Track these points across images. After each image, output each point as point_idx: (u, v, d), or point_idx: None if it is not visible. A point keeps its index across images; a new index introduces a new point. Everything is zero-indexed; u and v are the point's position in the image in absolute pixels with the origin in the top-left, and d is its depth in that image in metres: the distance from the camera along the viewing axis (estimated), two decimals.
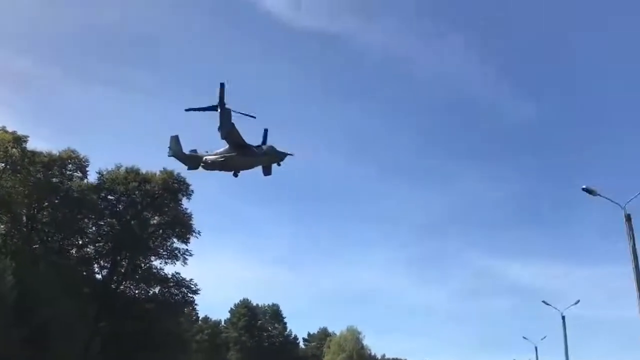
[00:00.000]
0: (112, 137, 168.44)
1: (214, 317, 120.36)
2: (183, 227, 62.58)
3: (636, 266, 28.93)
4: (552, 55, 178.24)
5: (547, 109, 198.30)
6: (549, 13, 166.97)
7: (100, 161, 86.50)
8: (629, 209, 29.86)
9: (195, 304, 66.93)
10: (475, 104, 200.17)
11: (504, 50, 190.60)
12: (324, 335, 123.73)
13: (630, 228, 29.52)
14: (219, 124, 41.74)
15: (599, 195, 31.19)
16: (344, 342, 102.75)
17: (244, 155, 44.49)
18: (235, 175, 45.78)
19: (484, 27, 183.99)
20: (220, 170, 45.40)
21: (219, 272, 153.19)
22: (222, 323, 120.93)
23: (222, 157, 44.44)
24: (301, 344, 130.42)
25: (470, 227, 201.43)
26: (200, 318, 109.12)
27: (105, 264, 61.04)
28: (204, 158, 45.27)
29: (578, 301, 70.02)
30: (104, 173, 61.98)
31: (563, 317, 65.90)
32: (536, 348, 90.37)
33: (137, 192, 62.03)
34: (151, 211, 63.41)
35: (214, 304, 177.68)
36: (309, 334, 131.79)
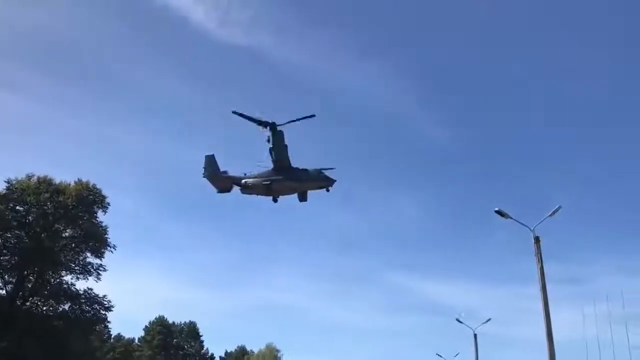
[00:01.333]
0: (24, 146, 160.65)
1: (127, 335, 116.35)
2: (97, 241, 60.09)
3: (543, 286, 30.50)
4: (470, 84, 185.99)
5: (464, 136, 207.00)
6: (472, 43, 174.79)
7: (9, 170, 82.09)
8: (538, 231, 31.52)
9: (108, 322, 64.14)
10: (393, 126, 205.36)
11: (423, 75, 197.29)
12: (241, 353, 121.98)
13: (539, 249, 31.13)
14: (270, 145, 39.65)
15: (510, 217, 32.67)
16: None
17: (291, 180, 42.26)
18: (275, 200, 43.25)
19: (406, 52, 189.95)
20: (259, 194, 42.84)
21: (134, 288, 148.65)
22: (136, 341, 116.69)
23: (267, 181, 41.99)
24: None
25: (389, 245, 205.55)
26: (112, 336, 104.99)
27: (11, 279, 57.42)
28: (244, 181, 42.89)
29: (489, 319, 73.13)
30: (14, 182, 58.58)
31: (475, 335, 68.52)
32: None
33: (49, 204, 58.97)
34: (63, 223, 60.44)
35: (127, 321, 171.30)
36: (226, 353, 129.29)
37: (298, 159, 41.47)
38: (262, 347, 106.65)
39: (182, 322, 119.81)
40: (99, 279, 60.05)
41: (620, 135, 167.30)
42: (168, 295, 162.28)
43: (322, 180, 42.69)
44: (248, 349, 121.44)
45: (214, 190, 44.87)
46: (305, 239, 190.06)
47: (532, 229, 31.66)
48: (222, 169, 44.05)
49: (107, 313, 61.03)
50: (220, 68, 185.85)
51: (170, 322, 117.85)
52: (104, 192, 61.47)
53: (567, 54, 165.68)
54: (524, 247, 32.25)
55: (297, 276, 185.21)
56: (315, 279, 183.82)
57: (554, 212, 32.13)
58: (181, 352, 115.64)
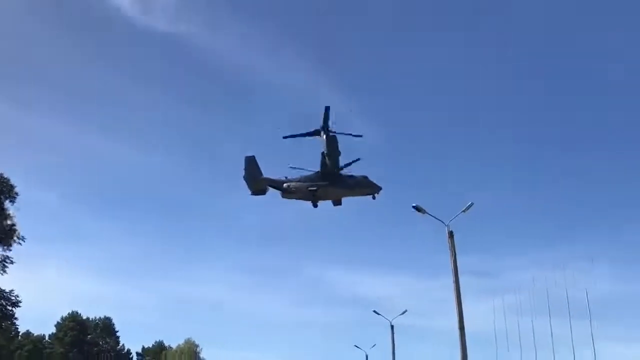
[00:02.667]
0: None
1: (37, 331, 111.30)
2: (3, 232, 57.10)
3: (456, 279, 31.66)
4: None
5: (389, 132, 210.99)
6: (393, 44, 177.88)
7: None
8: (452, 226, 32.67)
9: (15, 318, 61.16)
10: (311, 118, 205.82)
11: (349, 74, 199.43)
12: (159, 349, 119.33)
13: (452, 243, 32.25)
14: (326, 151, 38.63)
15: (426, 213, 33.64)
16: (180, 356, 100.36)
17: (337, 186, 41.30)
18: (315, 205, 42.07)
19: (334, 48, 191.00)
20: (301, 199, 41.68)
21: (46, 283, 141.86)
22: (47, 338, 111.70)
23: (314, 187, 40.67)
24: (135, 359, 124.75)
25: (308, 238, 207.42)
26: (20, 333, 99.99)
27: None
28: (286, 185, 41.33)
29: (405, 311, 75.05)
30: None
31: (392, 326, 70.21)
32: (367, 356, 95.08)
33: None
34: None
35: (37, 317, 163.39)
36: (143, 349, 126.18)
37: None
38: (181, 342, 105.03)
39: (97, 317, 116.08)
40: (4, 271, 57.27)
41: (529, 134, 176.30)
42: (82, 290, 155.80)
43: (368, 187, 42.15)
44: (166, 344, 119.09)
45: (248, 192, 42.85)
46: (224, 232, 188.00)
47: (446, 224, 32.74)
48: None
49: (14, 309, 58.35)
50: (144, 55, 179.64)
51: (84, 317, 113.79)
52: (12, 182, 58.63)
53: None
54: (440, 241, 33.24)
55: (217, 269, 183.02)
56: (234, 271, 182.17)
57: (467, 208, 33.34)
58: (95, 349, 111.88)
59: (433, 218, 33.42)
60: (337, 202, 43.22)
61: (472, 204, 33.39)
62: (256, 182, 41.60)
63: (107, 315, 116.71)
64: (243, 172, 41.92)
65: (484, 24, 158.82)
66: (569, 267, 56.82)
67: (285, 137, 39.25)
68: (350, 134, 39.18)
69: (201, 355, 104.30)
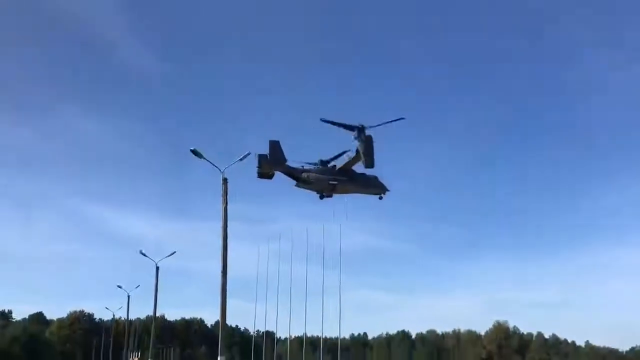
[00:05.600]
0: None
1: None
2: None
3: (225, 224, 32.47)
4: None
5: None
6: None
7: None
8: (227, 173, 33.20)
9: None
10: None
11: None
12: None
13: (226, 189, 32.86)
14: (362, 150, 38.54)
15: (204, 158, 33.63)
16: None
17: (354, 183, 42.53)
18: (322, 197, 42.79)
19: None
20: (314, 190, 42.21)
21: None
22: None
23: (334, 181, 41.59)
24: None
25: (71, 169, 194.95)
26: None
27: None
28: (305, 175, 41.74)
29: (174, 252, 75.05)
30: None
31: (157, 268, 69.81)
32: (129, 296, 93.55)
33: None
34: None
35: None
36: None
37: None
38: None
39: None
40: None
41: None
42: None
43: (378, 187, 43.50)
44: None
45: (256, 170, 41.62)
46: None
47: (222, 170, 33.14)
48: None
49: None
50: None
51: None
52: None
53: None
54: (217, 186, 33.51)
55: None
56: None
57: (243, 157, 34.16)
58: None
59: (209, 164, 33.66)
60: (329, 196, 43.90)
61: (249, 153, 34.34)
62: (279, 166, 41.60)
63: None
64: (267, 157, 41.18)
65: None
66: (329, 221, 62.18)
67: (322, 120, 38.70)
68: (393, 120, 39.07)
69: None
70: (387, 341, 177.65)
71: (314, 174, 42.31)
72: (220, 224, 32.70)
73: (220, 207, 32.85)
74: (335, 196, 43.10)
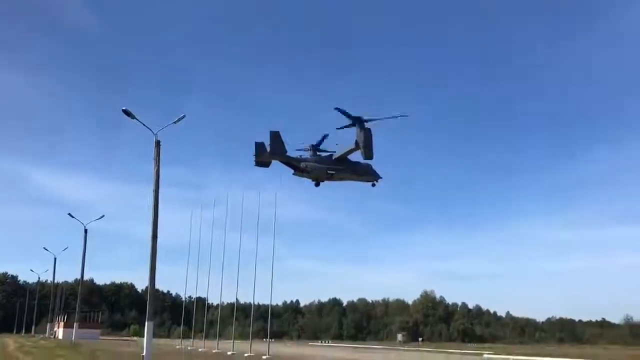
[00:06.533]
0: None
1: None
2: None
3: (156, 188, 31.69)
4: None
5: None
6: None
7: None
8: (160, 136, 32.27)
9: None
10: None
11: None
12: None
13: (158, 152, 31.99)
14: (362, 143, 39.33)
15: (136, 119, 32.56)
16: None
17: (350, 172, 43.55)
18: (317, 184, 43.69)
19: None
20: (310, 178, 43.05)
21: None
22: None
23: (332, 170, 42.81)
24: None
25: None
26: None
27: None
28: (303, 164, 42.57)
29: (103, 216, 73.66)
30: None
31: (86, 230, 68.33)
32: (55, 259, 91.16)
33: None
34: None
35: None
36: None
37: None
38: None
39: None
40: None
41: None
42: None
43: (372, 175, 44.16)
44: None
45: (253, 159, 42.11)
46: None
47: (155, 132, 32.21)
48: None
49: None
50: None
51: None
52: None
53: None
54: (150, 149, 32.50)
55: None
56: None
57: (178, 120, 33.28)
58: None
59: (143, 125, 32.63)
60: (317, 185, 44.31)
61: (184, 115, 33.48)
62: (280, 156, 42.06)
63: None
64: (268, 148, 41.49)
65: None
66: (265, 188, 62.01)
67: (337, 109, 39.16)
68: (394, 117, 39.53)
69: None
70: (319, 308, 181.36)
71: (312, 164, 43.31)
72: (152, 187, 31.89)
73: (152, 170, 32.00)
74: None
